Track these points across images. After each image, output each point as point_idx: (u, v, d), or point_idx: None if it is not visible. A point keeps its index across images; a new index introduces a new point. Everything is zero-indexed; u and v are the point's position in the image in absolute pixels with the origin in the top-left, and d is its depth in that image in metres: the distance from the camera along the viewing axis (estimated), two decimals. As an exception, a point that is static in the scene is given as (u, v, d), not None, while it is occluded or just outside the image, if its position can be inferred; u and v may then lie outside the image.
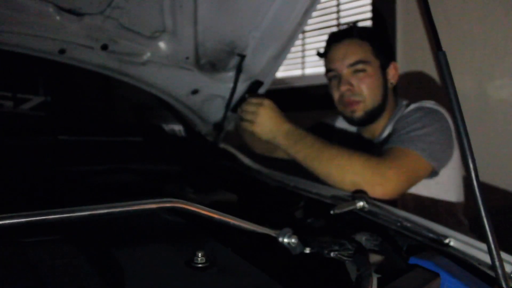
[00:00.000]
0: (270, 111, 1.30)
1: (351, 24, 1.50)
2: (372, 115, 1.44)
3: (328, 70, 1.47)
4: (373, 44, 1.42)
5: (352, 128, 1.61)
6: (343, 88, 1.41)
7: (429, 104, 1.35)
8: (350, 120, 1.48)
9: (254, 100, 1.33)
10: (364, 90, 1.40)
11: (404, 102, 1.45)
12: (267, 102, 1.31)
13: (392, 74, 1.45)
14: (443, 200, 1.35)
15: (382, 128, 1.45)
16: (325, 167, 1.18)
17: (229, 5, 1.30)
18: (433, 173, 1.29)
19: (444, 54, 0.64)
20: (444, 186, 1.33)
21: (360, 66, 1.39)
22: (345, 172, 1.15)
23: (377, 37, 1.47)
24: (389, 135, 1.38)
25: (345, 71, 1.41)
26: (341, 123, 1.66)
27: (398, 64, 1.50)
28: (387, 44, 1.51)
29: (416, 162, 1.23)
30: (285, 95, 2.67)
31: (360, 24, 1.50)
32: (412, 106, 1.37)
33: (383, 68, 1.43)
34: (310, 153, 1.22)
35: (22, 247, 0.63)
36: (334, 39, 1.47)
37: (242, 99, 1.50)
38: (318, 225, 0.97)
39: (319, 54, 1.53)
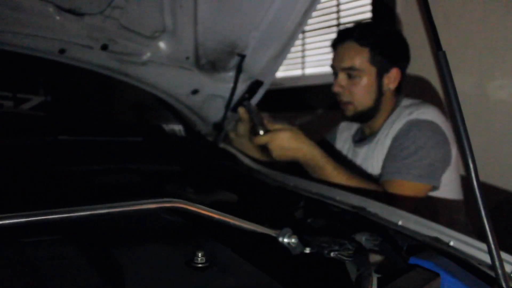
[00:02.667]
0: (283, 142, 1.28)
1: (357, 23, 1.50)
2: (363, 116, 1.48)
3: (331, 65, 1.51)
4: (374, 50, 1.40)
5: (354, 129, 1.64)
6: (335, 89, 1.47)
7: (424, 114, 1.36)
8: (344, 116, 1.52)
9: (260, 141, 1.30)
10: (354, 95, 1.44)
11: (405, 103, 1.45)
12: (274, 139, 1.28)
13: (391, 80, 1.44)
14: (444, 198, 1.36)
15: (380, 125, 1.48)
16: None
17: (229, 5, 1.30)
18: (434, 187, 1.33)
19: (444, 54, 0.64)
20: (444, 187, 1.35)
21: (352, 72, 1.42)
22: None
23: (382, 42, 1.42)
24: (387, 134, 1.41)
25: (340, 73, 1.45)
26: (342, 131, 1.69)
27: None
28: (394, 49, 1.46)
29: (415, 191, 1.29)
30: (285, 95, 2.67)
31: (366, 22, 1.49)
32: (407, 119, 1.37)
33: (380, 75, 1.43)
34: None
35: (22, 247, 0.63)
36: (338, 38, 1.48)
37: (242, 99, 1.51)
38: (318, 225, 0.97)
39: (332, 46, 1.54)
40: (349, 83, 1.43)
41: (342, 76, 1.45)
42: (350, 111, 1.47)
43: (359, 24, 1.51)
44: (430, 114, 1.36)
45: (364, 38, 1.41)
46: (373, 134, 1.50)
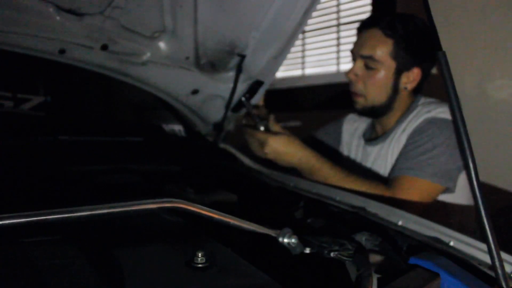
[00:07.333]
0: (279, 147, 1.28)
1: (389, 12, 1.42)
2: (374, 112, 1.43)
3: (351, 49, 1.45)
4: (398, 44, 1.33)
5: (363, 124, 1.60)
6: (349, 75, 1.40)
7: (444, 113, 1.31)
8: (354, 108, 1.47)
9: (258, 136, 1.31)
10: (367, 87, 1.38)
11: (422, 101, 1.40)
12: (272, 140, 1.28)
13: (409, 79, 1.37)
14: (458, 203, 1.33)
15: (393, 124, 1.43)
16: None
17: (229, 5, 1.30)
18: (449, 190, 1.29)
19: (444, 54, 0.64)
20: (460, 191, 1.31)
21: (371, 63, 1.35)
22: None
23: (408, 37, 1.34)
24: (402, 131, 1.38)
25: (358, 60, 1.39)
26: (349, 123, 1.65)
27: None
28: (420, 48, 1.35)
29: (427, 190, 1.25)
30: (285, 95, 2.67)
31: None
32: (425, 117, 1.33)
33: (399, 72, 1.36)
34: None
35: (22, 247, 0.63)
36: (364, 23, 1.42)
37: (242, 101, 1.51)
38: (318, 225, 0.97)
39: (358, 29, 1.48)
40: (364, 73, 1.37)
41: (359, 64, 1.38)
42: (360, 103, 1.41)
43: (390, 13, 1.42)
44: (449, 113, 1.33)
45: (390, 29, 1.33)
46: (386, 133, 1.45)
